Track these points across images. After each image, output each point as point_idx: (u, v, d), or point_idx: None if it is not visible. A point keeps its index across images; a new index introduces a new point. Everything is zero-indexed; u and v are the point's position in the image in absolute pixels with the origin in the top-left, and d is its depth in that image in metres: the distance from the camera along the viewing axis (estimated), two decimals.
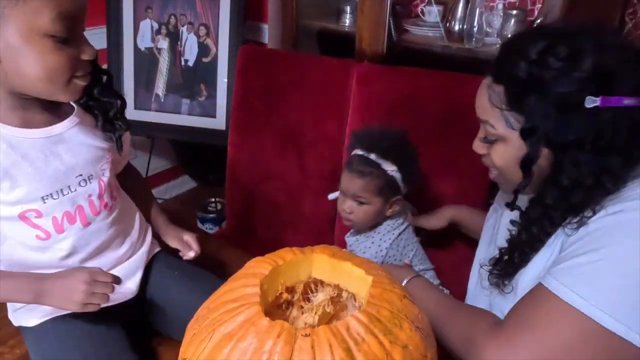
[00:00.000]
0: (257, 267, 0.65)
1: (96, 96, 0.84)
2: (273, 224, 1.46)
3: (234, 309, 0.58)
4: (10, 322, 0.88)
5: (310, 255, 0.67)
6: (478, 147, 0.80)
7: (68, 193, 0.81)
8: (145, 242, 0.99)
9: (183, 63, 1.77)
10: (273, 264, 0.64)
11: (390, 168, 1.01)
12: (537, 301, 0.66)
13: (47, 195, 0.79)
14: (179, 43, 1.76)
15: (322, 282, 0.69)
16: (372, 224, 1.09)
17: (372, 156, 1.01)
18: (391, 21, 1.40)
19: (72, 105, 0.84)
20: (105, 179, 0.87)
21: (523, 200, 0.76)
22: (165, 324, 0.96)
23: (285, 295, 0.66)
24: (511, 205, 0.76)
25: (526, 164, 0.70)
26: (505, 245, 0.78)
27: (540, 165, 0.69)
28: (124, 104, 0.88)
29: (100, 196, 0.86)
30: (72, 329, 0.84)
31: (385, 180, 1.02)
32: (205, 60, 1.75)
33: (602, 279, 0.61)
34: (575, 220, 0.67)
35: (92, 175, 0.84)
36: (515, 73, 0.68)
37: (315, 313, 0.65)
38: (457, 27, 1.43)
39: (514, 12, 1.30)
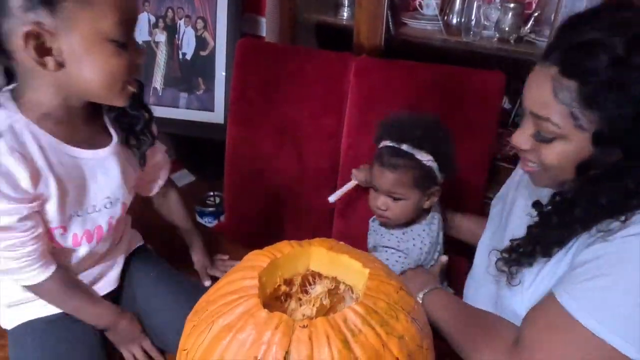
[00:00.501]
0: (256, 260, 0.65)
1: (125, 109, 0.82)
2: (271, 217, 1.46)
3: (232, 301, 0.58)
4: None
5: (308, 248, 0.68)
6: (523, 142, 0.71)
7: (92, 212, 0.81)
8: (124, 236, 0.99)
9: (181, 56, 1.77)
10: (271, 257, 0.65)
11: (426, 158, 0.93)
12: (554, 321, 0.65)
13: (74, 213, 0.78)
14: (176, 36, 1.75)
15: (319, 275, 0.69)
16: (410, 219, 1.01)
17: (404, 147, 0.93)
18: (389, 14, 1.39)
19: (106, 124, 0.83)
20: (127, 202, 0.86)
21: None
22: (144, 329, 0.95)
23: (283, 288, 0.67)
24: (541, 207, 0.71)
25: (588, 167, 0.64)
26: (521, 234, 0.74)
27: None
28: (151, 116, 0.86)
29: (119, 219, 0.86)
30: (49, 332, 0.84)
31: (421, 172, 0.94)
32: (202, 53, 1.74)
33: (621, 305, 0.61)
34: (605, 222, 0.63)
35: (118, 198, 0.84)
36: (595, 69, 0.60)
37: (313, 305, 0.66)
38: (455, 20, 1.44)
39: (512, 5, 1.29)
